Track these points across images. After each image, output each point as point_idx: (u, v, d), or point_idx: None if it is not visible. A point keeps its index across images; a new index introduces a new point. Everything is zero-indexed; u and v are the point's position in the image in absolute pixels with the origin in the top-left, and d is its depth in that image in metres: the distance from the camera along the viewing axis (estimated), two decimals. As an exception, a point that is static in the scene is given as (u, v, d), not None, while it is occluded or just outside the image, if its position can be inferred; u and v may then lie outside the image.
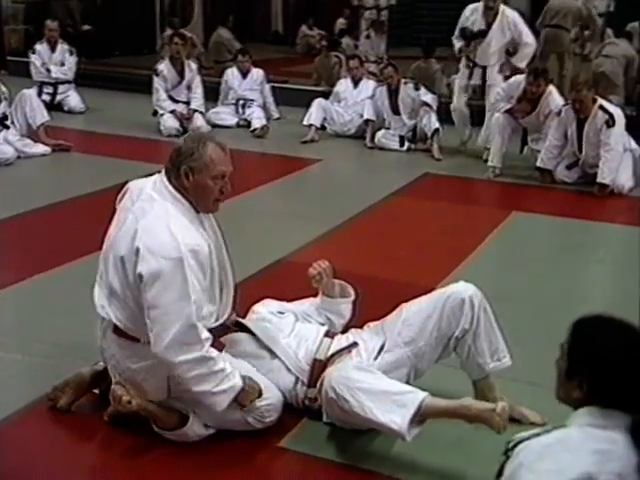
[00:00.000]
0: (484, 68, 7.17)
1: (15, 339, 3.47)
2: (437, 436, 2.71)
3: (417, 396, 2.54)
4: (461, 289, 2.83)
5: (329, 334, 2.97)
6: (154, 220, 2.55)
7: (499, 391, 2.88)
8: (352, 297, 3.15)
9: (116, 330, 2.67)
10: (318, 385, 2.78)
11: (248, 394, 2.65)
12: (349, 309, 3.15)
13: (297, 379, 2.84)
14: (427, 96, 7.50)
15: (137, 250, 2.50)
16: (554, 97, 6.66)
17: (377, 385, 2.59)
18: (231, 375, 2.61)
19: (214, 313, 2.74)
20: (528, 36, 7.12)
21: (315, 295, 3.17)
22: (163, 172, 2.67)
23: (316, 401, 2.81)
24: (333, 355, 2.85)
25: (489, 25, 7.03)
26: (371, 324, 3.04)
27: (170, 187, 2.61)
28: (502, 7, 7.08)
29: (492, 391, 2.87)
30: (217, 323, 2.75)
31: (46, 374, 3.05)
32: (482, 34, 7.01)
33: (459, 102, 7.36)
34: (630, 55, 9.72)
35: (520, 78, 6.89)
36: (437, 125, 7.39)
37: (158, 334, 2.50)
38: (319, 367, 2.82)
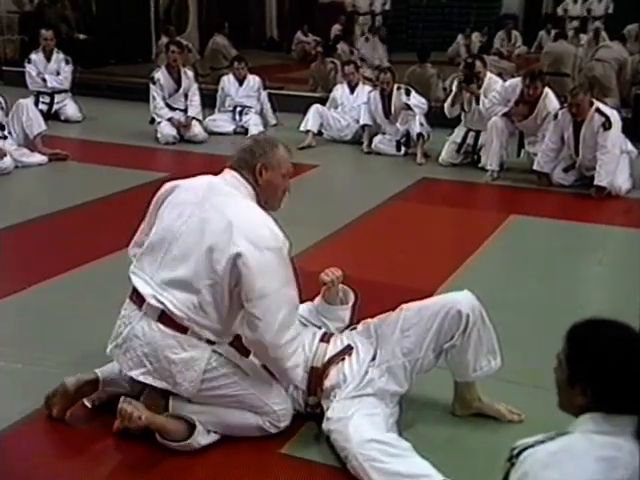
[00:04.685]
0: (478, 132, 7.19)
1: (15, 348, 3.46)
2: (430, 438, 2.77)
3: None
4: (461, 302, 2.77)
5: (324, 338, 2.97)
6: (248, 214, 2.65)
7: (479, 390, 2.92)
8: (351, 302, 3.16)
9: (162, 318, 2.64)
10: (319, 393, 2.82)
11: None
12: (348, 314, 3.15)
13: (295, 387, 2.85)
14: (412, 100, 7.47)
15: (237, 243, 2.55)
16: (551, 99, 6.68)
17: (392, 465, 2.50)
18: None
19: None
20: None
21: (313, 299, 3.17)
22: (230, 171, 2.73)
23: (318, 407, 2.83)
24: (330, 360, 2.87)
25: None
26: (364, 323, 3.02)
27: (246, 183, 2.70)
28: (488, 74, 7.14)
29: (471, 392, 2.92)
30: None
31: (46, 383, 3.03)
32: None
33: (447, 156, 7.30)
34: (622, 58, 9.74)
35: (516, 81, 6.91)
36: (419, 130, 7.39)
37: (268, 322, 2.57)
38: (317, 374, 2.85)
